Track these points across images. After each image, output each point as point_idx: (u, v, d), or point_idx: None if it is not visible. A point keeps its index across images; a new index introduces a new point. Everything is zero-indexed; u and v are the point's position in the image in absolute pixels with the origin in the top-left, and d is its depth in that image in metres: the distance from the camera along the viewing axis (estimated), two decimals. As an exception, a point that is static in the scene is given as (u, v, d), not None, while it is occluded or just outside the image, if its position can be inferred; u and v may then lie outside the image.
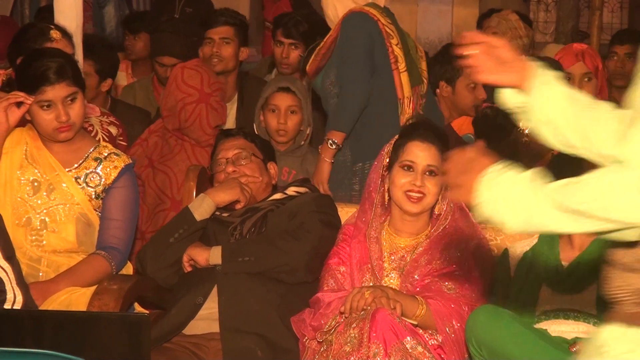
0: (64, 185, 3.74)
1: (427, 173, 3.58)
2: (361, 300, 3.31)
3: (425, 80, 4.61)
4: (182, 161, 4.58)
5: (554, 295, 3.45)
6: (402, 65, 4.45)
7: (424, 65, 4.62)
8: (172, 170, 4.58)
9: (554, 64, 4.20)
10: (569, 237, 3.55)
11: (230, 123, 5.25)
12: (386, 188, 3.65)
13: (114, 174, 3.78)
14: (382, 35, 4.42)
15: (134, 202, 3.84)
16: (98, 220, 3.77)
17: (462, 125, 5.04)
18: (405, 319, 3.34)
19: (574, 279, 3.45)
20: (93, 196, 3.76)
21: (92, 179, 3.77)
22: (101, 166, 3.78)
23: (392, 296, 3.33)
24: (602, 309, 3.38)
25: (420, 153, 3.58)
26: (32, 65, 3.70)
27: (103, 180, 3.77)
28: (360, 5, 4.47)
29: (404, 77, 4.46)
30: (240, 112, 5.42)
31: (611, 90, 5.60)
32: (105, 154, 3.81)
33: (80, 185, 3.76)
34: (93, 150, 3.81)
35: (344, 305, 3.34)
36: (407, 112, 4.43)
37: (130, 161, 3.85)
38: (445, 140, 3.66)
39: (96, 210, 3.77)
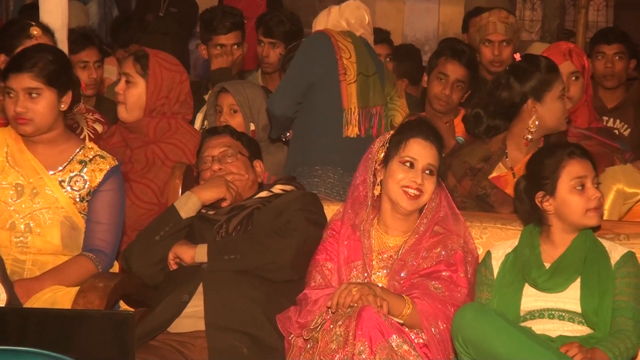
0: (48, 189, 3.72)
1: (427, 172, 3.59)
2: (348, 297, 3.31)
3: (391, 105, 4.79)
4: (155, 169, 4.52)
5: (538, 295, 3.46)
6: (350, 78, 4.61)
7: (397, 100, 4.78)
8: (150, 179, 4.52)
9: (545, 61, 4.21)
10: (549, 237, 3.56)
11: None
12: (378, 182, 3.65)
13: (100, 177, 3.76)
14: (334, 49, 4.62)
15: (121, 204, 3.83)
16: (83, 223, 3.75)
17: (454, 128, 5.06)
18: (392, 318, 3.34)
19: (556, 278, 3.45)
20: (77, 199, 3.74)
21: (76, 182, 3.75)
22: (86, 169, 3.76)
23: (379, 294, 3.34)
24: (585, 307, 3.40)
25: (422, 151, 3.59)
26: (17, 53, 3.70)
27: (88, 183, 3.75)
28: (330, 29, 4.70)
29: (351, 89, 4.61)
30: None
31: (597, 89, 5.60)
32: (91, 157, 3.78)
33: (64, 189, 3.73)
34: (78, 152, 3.79)
35: (331, 301, 3.34)
36: (352, 123, 4.59)
37: (116, 163, 3.82)
38: (442, 142, 3.68)
39: (81, 213, 3.75)
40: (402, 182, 3.59)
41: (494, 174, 4.20)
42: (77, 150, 3.79)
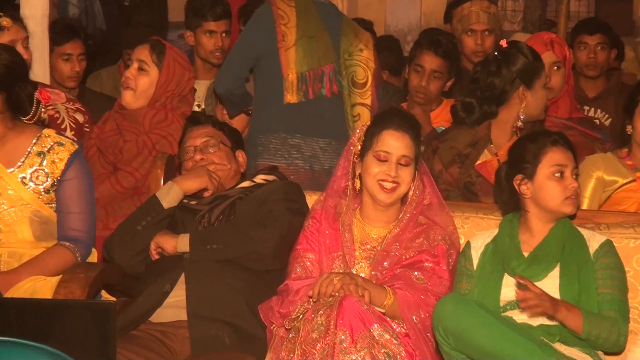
0: (10, 189, 3.65)
1: (402, 163, 3.59)
2: (329, 286, 3.32)
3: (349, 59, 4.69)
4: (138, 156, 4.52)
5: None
6: (288, 43, 4.58)
7: (358, 55, 4.65)
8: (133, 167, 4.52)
9: (532, 50, 4.23)
10: (528, 226, 3.57)
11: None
12: (357, 174, 3.66)
13: (61, 166, 3.70)
14: (273, 17, 4.60)
15: (88, 189, 3.76)
16: (53, 214, 3.70)
17: (437, 118, 5.06)
18: (373, 307, 3.35)
19: (534, 267, 3.47)
20: (42, 192, 3.69)
21: (38, 177, 3.68)
22: (46, 161, 3.69)
23: (361, 284, 3.34)
24: (564, 296, 3.42)
25: (395, 143, 3.59)
26: None
27: (50, 175, 3.69)
28: None
29: (290, 55, 4.58)
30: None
31: (578, 79, 5.63)
32: (48, 147, 3.70)
33: (27, 185, 3.68)
34: (35, 144, 3.70)
35: (312, 290, 3.35)
36: (291, 90, 4.56)
37: (76, 147, 3.74)
38: (418, 129, 3.68)
39: (49, 204, 3.71)
40: (377, 177, 3.58)
41: (479, 160, 4.22)
42: (34, 141, 3.71)
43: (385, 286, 3.43)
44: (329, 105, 4.59)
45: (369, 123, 3.72)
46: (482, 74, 4.26)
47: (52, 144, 3.72)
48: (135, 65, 4.53)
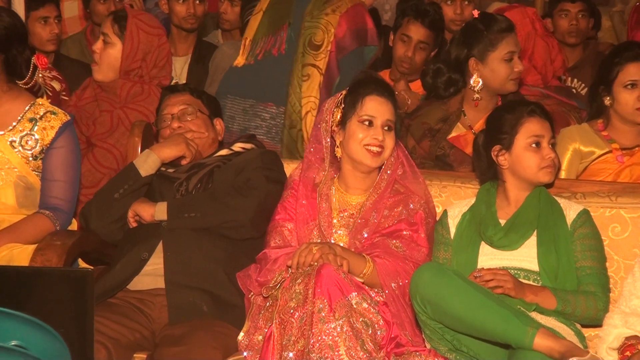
0: None
1: (386, 127, 3.59)
2: (308, 256, 3.32)
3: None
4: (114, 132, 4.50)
5: (494, 253, 3.48)
6: (257, 9, 4.66)
7: (322, 17, 4.60)
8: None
9: (498, 22, 4.22)
10: (505, 195, 3.59)
11: (183, 77, 5.30)
12: (337, 143, 3.65)
13: (52, 134, 3.71)
14: None
15: (75, 160, 3.78)
16: (38, 182, 3.71)
17: (419, 89, 5.05)
18: (352, 276, 3.36)
19: (511, 235, 3.48)
20: (30, 158, 3.69)
21: (27, 141, 3.69)
22: (37, 127, 3.70)
23: (340, 253, 3.35)
24: (543, 265, 3.43)
25: (379, 107, 3.59)
26: None
27: (40, 141, 3.70)
28: None
29: (255, 20, 4.64)
30: (193, 68, 5.47)
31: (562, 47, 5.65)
32: (41, 114, 3.72)
33: (15, 149, 3.68)
34: (27, 110, 3.72)
35: (292, 260, 3.35)
36: (241, 53, 4.62)
37: (68, 118, 3.76)
38: (395, 96, 3.69)
39: (35, 172, 3.71)
40: (364, 141, 3.59)
41: (453, 134, 4.23)
42: (27, 107, 3.73)
43: (364, 254, 3.44)
44: (275, 66, 4.58)
45: (344, 92, 3.71)
46: (449, 43, 4.29)
47: (45, 111, 3.73)
48: (100, 38, 4.52)
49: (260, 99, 4.52)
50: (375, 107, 3.59)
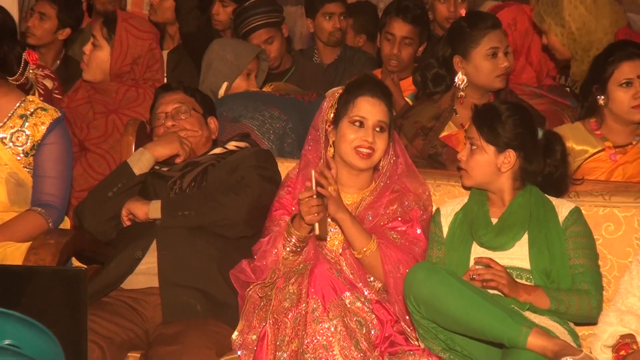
0: None
1: (378, 129, 3.59)
2: (312, 200, 3.34)
3: None
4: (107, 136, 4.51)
5: (486, 253, 3.48)
6: None
7: None
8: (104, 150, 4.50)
9: (482, 19, 4.23)
10: (499, 195, 3.57)
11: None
12: (330, 143, 3.65)
13: (43, 130, 3.69)
14: None
15: (67, 156, 3.76)
16: (30, 178, 3.70)
17: (410, 86, 5.06)
18: (345, 273, 3.36)
19: (502, 236, 3.48)
20: (21, 154, 3.69)
21: (18, 138, 3.68)
22: (27, 123, 3.69)
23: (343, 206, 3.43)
24: (535, 264, 3.43)
25: (370, 108, 3.58)
26: None
27: (31, 137, 3.69)
28: None
29: None
30: (180, 65, 5.48)
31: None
32: (32, 110, 3.71)
33: (6, 145, 3.67)
34: (18, 107, 3.71)
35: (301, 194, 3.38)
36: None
37: (59, 114, 3.75)
38: (391, 97, 3.68)
39: (26, 168, 3.70)
40: (354, 143, 3.58)
41: (444, 133, 4.23)
42: (17, 104, 3.72)
43: (373, 236, 3.44)
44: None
45: (340, 91, 3.71)
46: (438, 41, 4.32)
47: (35, 108, 3.72)
48: (90, 40, 4.53)
49: (265, 102, 4.54)
50: (366, 108, 3.59)
